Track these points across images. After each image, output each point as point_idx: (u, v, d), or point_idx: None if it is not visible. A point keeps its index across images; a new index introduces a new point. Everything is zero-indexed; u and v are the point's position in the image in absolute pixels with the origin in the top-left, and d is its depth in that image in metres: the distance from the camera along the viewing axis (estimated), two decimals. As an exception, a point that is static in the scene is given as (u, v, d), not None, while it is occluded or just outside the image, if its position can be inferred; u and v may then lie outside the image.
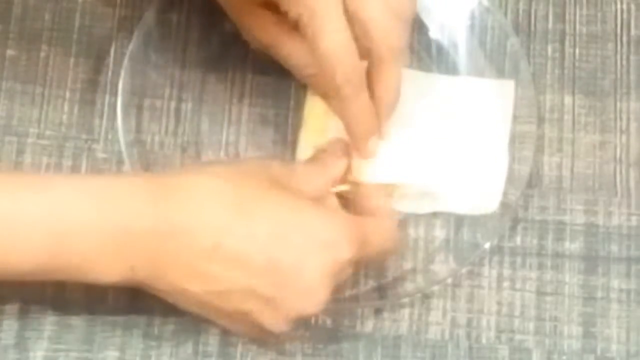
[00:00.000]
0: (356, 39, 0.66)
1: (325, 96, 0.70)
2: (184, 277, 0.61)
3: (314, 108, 0.71)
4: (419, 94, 0.73)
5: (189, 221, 0.60)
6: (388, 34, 0.66)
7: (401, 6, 0.67)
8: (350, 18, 0.65)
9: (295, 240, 0.61)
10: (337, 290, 0.64)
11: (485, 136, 0.73)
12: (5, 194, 0.60)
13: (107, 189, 0.61)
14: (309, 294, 0.62)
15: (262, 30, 0.69)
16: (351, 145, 0.70)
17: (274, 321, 0.62)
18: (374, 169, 0.71)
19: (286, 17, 0.66)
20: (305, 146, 0.71)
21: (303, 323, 0.67)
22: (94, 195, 0.61)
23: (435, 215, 0.72)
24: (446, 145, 0.72)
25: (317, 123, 0.71)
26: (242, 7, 0.69)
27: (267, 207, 0.62)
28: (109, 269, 0.61)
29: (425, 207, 0.72)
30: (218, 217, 0.61)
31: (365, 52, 0.66)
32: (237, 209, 0.61)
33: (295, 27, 0.66)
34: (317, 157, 0.70)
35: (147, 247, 0.60)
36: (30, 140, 0.73)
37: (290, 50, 0.69)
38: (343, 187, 0.70)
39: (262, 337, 0.66)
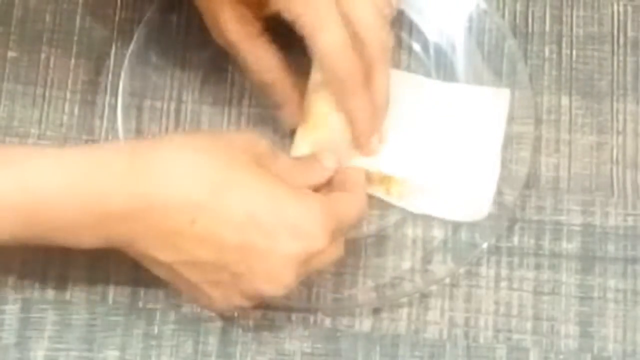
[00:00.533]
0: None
1: (278, 106, 0.72)
2: (156, 248, 0.62)
3: (314, 105, 0.71)
4: (416, 97, 0.73)
5: (166, 197, 0.61)
6: (379, 34, 0.67)
7: (385, 4, 0.68)
8: (343, 19, 0.66)
9: (269, 225, 0.62)
10: (315, 276, 0.66)
11: (478, 144, 0.73)
12: None
13: (85, 162, 0.61)
14: (276, 278, 0.62)
15: (229, 28, 0.69)
16: (353, 143, 0.70)
17: (237, 296, 0.63)
18: (370, 160, 0.71)
19: (257, 17, 0.68)
20: (301, 142, 0.71)
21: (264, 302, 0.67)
22: (71, 168, 0.61)
23: (432, 215, 0.73)
24: (439, 150, 0.72)
25: (317, 120, 0.71)
26: (219, 1, 0.69)
27: (245, 188, 0.62)
28: (84, 239, 0.62)
29: (416, 207, 0.72)
30: (195, 194, 0.61)
31: (357, 53, 0.67)
32: (215, 187, 0.61)
33: (263, 31, 0.68)
34: (306, 159, 0.70)
35: (123, 220, 0.61)
36: (31, 140, 0.73)
37: (254, 54, 0.70)
38: None
39: (220, 309, 0.66)
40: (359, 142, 0.70)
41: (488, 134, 0.73)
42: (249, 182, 0.62)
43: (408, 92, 0.73)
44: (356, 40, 0.66)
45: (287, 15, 0.66)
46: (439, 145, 0.72)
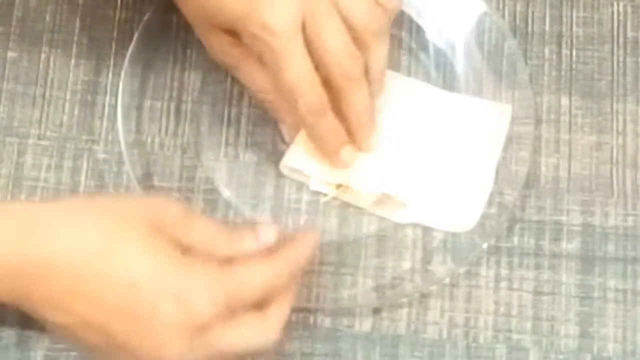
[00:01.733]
0: (342, 22, 0.67)
1: (281, 120, 0.72)
2: (45, 308, 0.60)
3: None
4: (416, 104, 0.74)
5: (51, 259, 0.60)
6: (369, 20, 0.68)
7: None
8: (335, 5, 0.67)
9: (150, 293, 0.60)
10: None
11: (474, 157, 0.73)
12: None
13: None
14: (162, 346, 0.60)
15: (225, 53, 0.71)
16: (355, 138, 0.71)
17: None
18: (359, 177, 0.71)
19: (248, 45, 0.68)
20: (295, 153, 0.72)
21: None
22: None
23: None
24: (434, 159, 0.72)
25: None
26: (207, 28, 0.70)
27: (129, 255, 0.61)
28: None
29: (403, 218, 0.72)
30: (77, 261, 0.60)
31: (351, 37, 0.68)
32: (99, 252, 0.60)
33: (256, 56, 0.69)
34: (240, 228, 0.69)
35: (9, 281, 0.60)
36: (31, 141, 0.74)
37: (250, 75, 0.71)
38: (332, 193, 0.71)
39: None
40: (329, 160, 0.71)
41: (485, 149, 0.73)
42: (134, 250, 0.61)
43: (409, 98, 0.73)
44: (347, 24, 0.68)
45: (254, 50, 0.68)
46: (434, 155, 0.72)
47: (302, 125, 0.70)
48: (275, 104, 0.71)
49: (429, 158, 0.72)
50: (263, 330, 0.63)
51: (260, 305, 0.63)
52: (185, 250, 0.62)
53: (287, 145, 0.73)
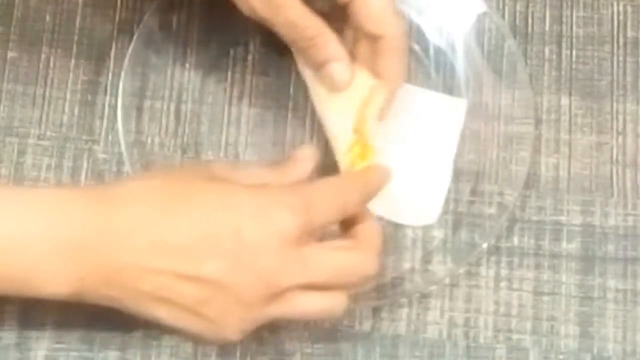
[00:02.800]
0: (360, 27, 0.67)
1: (333, 58, 0.68)
2: (134, 277, 0.60)
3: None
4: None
5: (126, 224, 0.60)
6: (393, 22, 0.67)
7: None
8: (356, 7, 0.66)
9: (227, 218, 0.61)
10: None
11: (430, 150, 0.72)
12: None
13: (48, 201, 0.61)
14: (254, 269, 0.60)
15: None
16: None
17: (236, 306, 0.61)
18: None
19: None
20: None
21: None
22: (34, 207, 0.61)
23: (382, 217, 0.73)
24: (391, 153, 0.72)
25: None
26: None
27: (196, 196, 0.62)
28: (57, 281, 0.60)
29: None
30: (150, 217, 0.61)
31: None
32: (167, 206, 0.61)
33: None
34: (278, 162, 0.70)
35: (93, 255, 0.60)
36: (31, 141, 0.74)
37: (298, 16, 0.66)
38: None
39: (222, 337, 0.63)
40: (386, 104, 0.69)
41: (441, 143, 0.73)
42: (198, 191, 0.62)
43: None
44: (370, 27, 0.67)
45: None
46: (389, 148, 0.72)
47: (393, 54, 0.68)
48: (325, 40, 0.67)
49: (387, 151, 0.71)
50: (360, 256, 0.64)
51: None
52: None
53: (339, 89, 0.68)
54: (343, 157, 0.69)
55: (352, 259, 0.63)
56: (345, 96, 0.69)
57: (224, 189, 0.63)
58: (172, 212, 0.61)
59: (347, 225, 0.66)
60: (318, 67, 0.68)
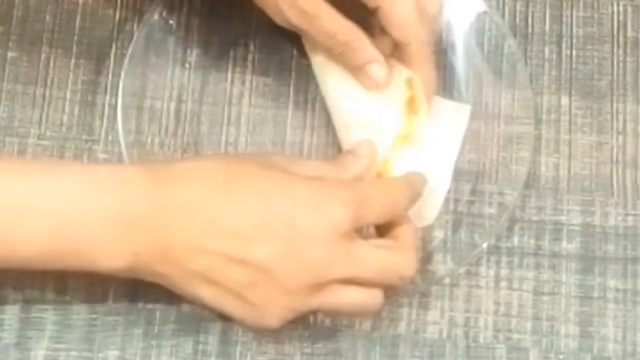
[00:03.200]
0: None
1: (370, 61, 0.70)
2: (187, 256, 0.62)
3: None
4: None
5: (182, 205, 0.62)
6: (417, 30, 0.68)
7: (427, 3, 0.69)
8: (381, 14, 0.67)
9: (284, 206, 0.62)
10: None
11: (432, 154, 0.72)
12: (8, 181, 0.61)
13: (108, 177, 0.63)
14: (304, 258, 0.62)
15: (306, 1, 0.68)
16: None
17: (281, 293, 0.62)
18: None
19: None
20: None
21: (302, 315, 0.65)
22: (96, 183, 0.62)
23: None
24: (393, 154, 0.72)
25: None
26: None
27: (256, 182, 0.63)
28: (113, 255, 0.62)
29: None
30: (208, 197, 0.62)
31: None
32: (227, 187, 0.62)
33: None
34: (337, 157, 0.71)
35: (149, 231, 0.61)
36: (31, 141, 0.74)
37: (334, 20, 0.68)
38: None
39: (262, 322, 0.64)
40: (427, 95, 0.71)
41: (443, 146, 0.73)
42: (258, 177, 0.63)
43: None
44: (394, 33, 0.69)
45: None
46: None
47: (414, 56, 0.69)
48: (362, 43, 0.69)
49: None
50: (401, 256, 0.65)
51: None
52: None
53: (378, 88, 0.71)
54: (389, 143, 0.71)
55: (394, 258, 0.65)
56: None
57: (282, 177, 0.64)
58: (229, 194, 0.62)
59: (384, 226, 0.67)
60: (356, 70, 0.70)
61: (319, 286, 0.63)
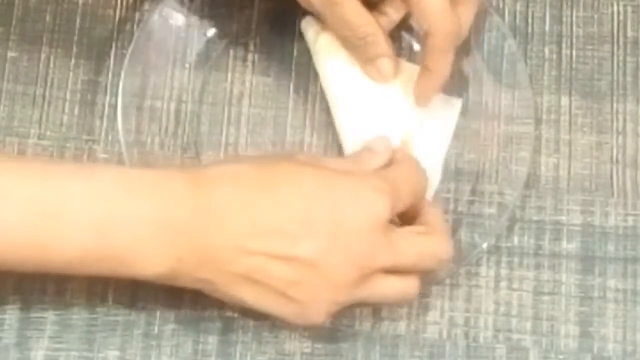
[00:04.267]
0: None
1: (381, 54, 0.71)
2: (228, 259, 0.62)
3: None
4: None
5: (221, 207, 0.62)
6: (445, 20, 0.68)
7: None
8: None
9: (324, 200, 0.62)
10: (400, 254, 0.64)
11: (422, 146, 0.72)
12: (49, 183, 0.61)
13: (147, 182, 0.62)
14: (349, 252, 0.62)
15: None
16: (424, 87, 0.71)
17: (326, 289, 0.63)
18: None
19: None
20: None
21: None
22: (135, 186, 0.62)
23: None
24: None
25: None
26: None
27: (292, 177, 0.63)
28: (155, 260, 0.62)
29: None
30: (247, 197, 0.62)
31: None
32: (264, 186, 0.63)
33: None
34: (355, 154, 0.71)
35: (191, 235, 0.61)
36: (31, 141, 0.74)
37: (353, 10, 0.69)
38: None
39: (307, 319, 0.64)
40: (427, 94, 0.71)
41: (433, 139, 0.73)
42: (295, 173, 0.64)
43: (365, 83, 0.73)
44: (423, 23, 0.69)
45: None
46: (388, 130, 0.72)
47: (439, 52, 0.69)
48: (377, 38, 0.70)
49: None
50: (437, 240, 0.66)
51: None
52: None
53: (385, 82, 0.72)
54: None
55: (432, 243, 0.66)
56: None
57: (318, 172, 0.64)
58: (269, 192, 0.62)
59: (408, 214, 0.67)
60: (366, 61, 0.71)
61: (363, 278, 0.63)
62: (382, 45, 0.71)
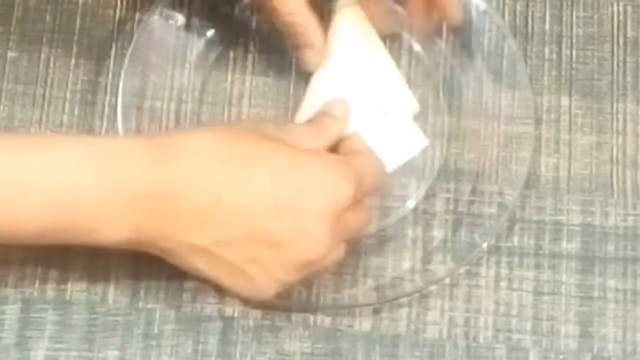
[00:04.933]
0: None
1: (308, 45, 0.72)
2: (190, 231, 0.62)
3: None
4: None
5: (188, 179, 0.62)
6: None
7: None
8: None
9: (293, 182, 0.63)
10: (348, 243, 0.67)
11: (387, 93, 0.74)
12: (9, 155, 0.61)
13: (109, 151, 0.62)
14: (312, 235, 0.63)
15: None
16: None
17: (279, 270, 0.64)
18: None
19: None
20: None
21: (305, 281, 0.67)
22: (96, 157, 0.62)
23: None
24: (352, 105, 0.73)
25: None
26: None
27: (262, 155, 0.64)
28: (114, 228, 0.62)
29: None
30: (215, 171, 0.62)
31: None
32: (233, 161, 0.63)
33: None
34: (315, 118, 0.71)
35: (151, 207, 0.61)
36: (31, 141, 0.74)
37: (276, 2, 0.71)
38: None
39: (258, 294, 0.66)
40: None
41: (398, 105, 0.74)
42: (266, 150, 0.64)
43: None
44: None
45: None
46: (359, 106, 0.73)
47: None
48: (306, 27, 0.72)
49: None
50: (366, 216, 0.69)
51: None
52: None
53: (311, 72, 0.73)
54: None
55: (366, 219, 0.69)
56: None
57: (289, 152, 0.64)
58: (237, 168, 0.63)
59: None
60: (295, 48, 0.73)
61: (316, 262, 0.65)
62: (309, 36, 0.72)
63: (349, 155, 0.69)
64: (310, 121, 0.71)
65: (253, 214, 0.62)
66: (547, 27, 0.77)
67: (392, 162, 0.73)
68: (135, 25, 0.76)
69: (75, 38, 0.76)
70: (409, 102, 0.74)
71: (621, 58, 0.77)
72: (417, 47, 0.76)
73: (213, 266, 0.64)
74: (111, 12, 0.76)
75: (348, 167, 0.65)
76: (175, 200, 0.61)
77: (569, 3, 0.78)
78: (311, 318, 0.70)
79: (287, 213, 0.63)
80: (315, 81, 0.73)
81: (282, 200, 0.63)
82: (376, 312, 0.71)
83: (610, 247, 0.73)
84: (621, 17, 0.78)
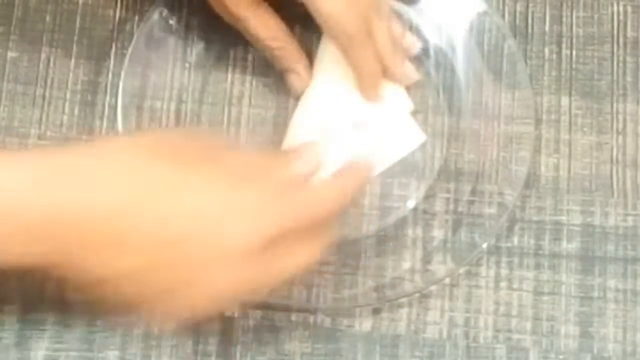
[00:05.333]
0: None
1: (291, 69, 0.73)
2: (91, 261, 0.58)
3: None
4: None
5: (79, 209, 0.57)
6: (342, 22, 0.69)
7: None
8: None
9: (191, 220, 0.59)
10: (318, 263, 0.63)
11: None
12: None
13: (50, 166, 0.58)
14: (223, 266, 0.59)
15: (236, 3, 0.71)
16: (360, 89, 0.72)
17: (189, 303, 0.60)
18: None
19: None
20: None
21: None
22: (40, 172, 0.58)
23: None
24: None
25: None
26: None
27: (168, 185, 0.59)
28: (14, 248, 0.58)
29: None
30: (115, 201, 0.58)
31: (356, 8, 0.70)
32: (135, 190, 0.59)
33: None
34: (286, 151, 0.71)
35: (46, 231, 0.57)
36: (31, 141, 0.74)
37: (262, 24, 0.71)
38: None
39: (177, 321, 0.65)
40: (367, 92, 0.72)
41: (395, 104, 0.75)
42: (171, 179, 0.59)
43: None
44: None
45: None
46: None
47: (347, 51, 0.71)
48: (286, 52, 0.72)
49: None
50: (312, 252, 0.62)
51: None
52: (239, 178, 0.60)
53: (295, 96, 0.74)
54: None
55: (306, 258, 0.62)
56: None
57: (208, 183, 0.59)
58: (141, 199, 0.58)
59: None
60: (281, 72, 0.74)
61: (233, 291, 0.62)
62: (290, 59, 0.72)
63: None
64: (282, 153, 0.69)
65: (154, 244, 0.58)
66: (547, 27, 0.77)
67: (390, 157, 0.73)
68: (135, 25, 0.76)
69: (75, 38, 0.76)
70: (404, 101, 0.74)
71: (621, 58, 0.77)
72: (415, 48, 0.76)
73: (123, 295, 0.59)
74: (111, 12, 0.76)
75: (281, 200, 0.60)
76: (73, 227, 0.57)
77: (569, 3, 0.78)
78: (311, 318, 0.70)
79: (191, 241, 0.58)
80: (303, 101, 0.73)
81: (184, 230, 0.58)
82: (376, 312, 0.71)
83: (610, 247, 0.73)
84: (621, 17, 0.78)
